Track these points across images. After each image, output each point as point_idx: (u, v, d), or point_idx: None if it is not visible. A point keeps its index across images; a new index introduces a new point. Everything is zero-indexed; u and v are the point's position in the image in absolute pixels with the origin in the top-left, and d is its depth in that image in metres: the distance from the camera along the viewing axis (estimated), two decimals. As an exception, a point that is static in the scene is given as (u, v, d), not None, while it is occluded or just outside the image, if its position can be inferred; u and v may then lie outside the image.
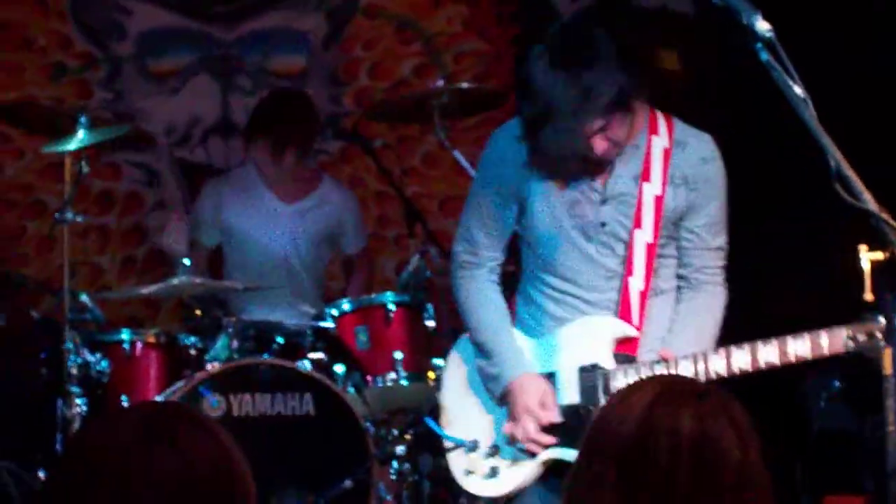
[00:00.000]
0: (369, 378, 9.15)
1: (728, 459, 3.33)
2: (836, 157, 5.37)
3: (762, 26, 5.40)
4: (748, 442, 3.37)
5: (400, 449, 9.06)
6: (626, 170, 6.41)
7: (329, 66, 11.42)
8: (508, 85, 10.82)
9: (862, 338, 5.93)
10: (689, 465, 3.30)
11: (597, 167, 6.40)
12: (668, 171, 6.43)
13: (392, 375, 9.19)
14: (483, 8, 11.34)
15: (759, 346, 6.10)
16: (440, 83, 9.83)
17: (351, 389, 8.90)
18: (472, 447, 6.61)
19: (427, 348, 9.31)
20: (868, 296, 5.64)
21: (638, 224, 6.39)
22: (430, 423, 7.66)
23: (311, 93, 11.04)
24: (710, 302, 6.57)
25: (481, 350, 6.60)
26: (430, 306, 9.40)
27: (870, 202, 5.30)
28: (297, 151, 10.09)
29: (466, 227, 6.70)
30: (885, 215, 5.28)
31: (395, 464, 9.07)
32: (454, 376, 6.90)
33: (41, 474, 9.22)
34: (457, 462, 6.73)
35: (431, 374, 9.21)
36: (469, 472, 6.63)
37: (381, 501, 8.94)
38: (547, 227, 6.49)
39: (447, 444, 6.84)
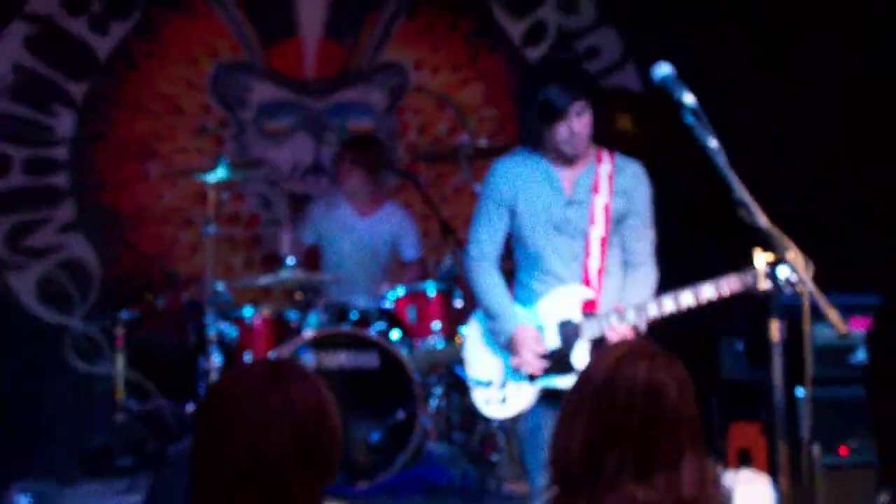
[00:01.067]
0: (416, 342, 9.41)
1: (670, 403, 3.51)
2: (740, 190, 5.40)
3: (688, 99, 5.51)
4: (685, 390, 3.57)
5: (437, 391, 9.42)
6: (583, 185, 6.67)
7: (389, 127, 11.41)
8: (512, 140, 10.89)
9: (747, 280, 6.13)
10: (642, 406, 3.48)
11: (566, 165, 6.68)
12: (612, 186, 6.71)
13: (432, 340, 9.45)
14: (495, 87, 11.45)
15: (680, 293, 6.36)
16: (465, 139, 9.95)
17: (404, 350, 9.12)
18: (488, 384, 6.80)
19: (456, 321, 9.39)
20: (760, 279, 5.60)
21: (592, 222, 6.64)
22: (459, 371, 8.44)
23: (381, 143, 10.95)
24: (646, 275, 6.78)
25: (489, 314, 6.79)
26: (458, 292, 9.57)
27: (762, 221, 5.33)
28: (371, 176, 10.17)
29: (475, 231, 6.87)
30: (773, 230, 5.31)
31: (433, 402, 9.35)
32: (473, 337, 6.99)
33: (189, 408, 9.68)
34: (478, 396, 6.90)
35: (458, 339, 9.19)
36: (487, 402, 6.82)
37: (424, 428, 9.05)
38: (530, 224, 6.71)
39: (471, 384, 6.99)
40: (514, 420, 7.31)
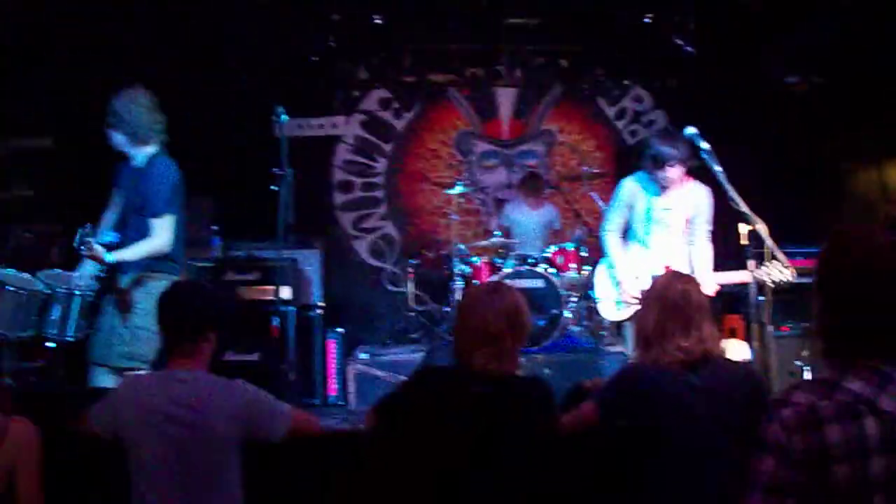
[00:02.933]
0: (562, 274, 9.22)
1: (695, 297, 3.94)
2: (734, 193, 5.63)
3: (704, 144, 5.77)
4: (701, 292, 3.99)
5: (573, 300, 9.13)
6: (672, 199, 6.50)
7: (546, 164, 11.38)
8: (609, 169, 11.15)
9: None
10: (682, 300, 3.88)
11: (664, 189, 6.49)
12: (690, 199, 6.51)
13: (570, 273, 9.31)
14: (601, 141, 11.41)
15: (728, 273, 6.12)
16: (585, 169, 10.06)
17: (556, 278, 8.98)
18: (606, 300, 6.88)
19: (583, 263, 9.37)
20: (744, 241, 5.64)
21: (675, 221, 6.53)
22: (591, 293, 8.32)
23: (542, 172, 10.95)
24: (703, 250, 6.54)
25: (612, 263, 6.73)
26: (584, 247, 9.44)
27: (743, 207, 5.56)
28: (536, 191, 10.25)
29: (609, 215, 6.75)
30: (749, 212, 5.51)
31: (571, 305, 9.09)
32: (601, 274, 6.97)
33: (445, 309, 9.87)
34: (602, 307, 6.95)
35: (584, 273, 9.20)
36: (605, 310, 6.88)
37: (566, 318, 8.91)
38: (640, 219, 6.62)
39: (597, 299, 7.02)
40: (619, 324, 7.28)
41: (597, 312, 8.81)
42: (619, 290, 6.68)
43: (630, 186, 6.66)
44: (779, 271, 5.79)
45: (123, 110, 5.72)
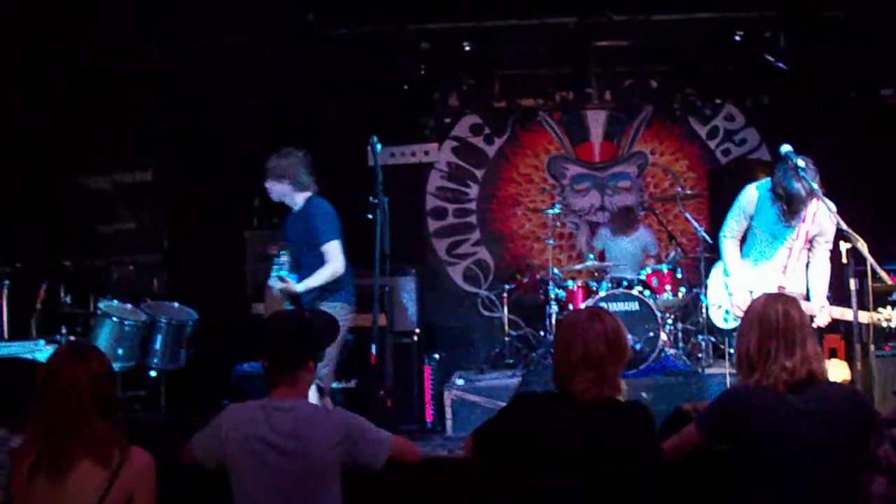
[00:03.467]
0: (657, 296, 9.17)
1: (796, 317, 3.85)
2: (831, 207, 5.78)
3: (800, 162, 5.80)
4: (802, 312, 3.91)
5: (669, 322, 9.16)
6: (798, 217, 6.19)
7: (639, 185, 11.36)
8: (702, 189, 10.93)
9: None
10: (783, 320, 3.80)
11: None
12: (815, 218, 6.23)
13: (665, 295, 9.27)
14: (693, 161, 11.32)
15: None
16: (679, 190, 9.88)
17: (651, 300, 8.94)
18: (718, 307, 6.78)
19: (679, 285, 9.37)
20: (844, 260, 5.60)
21: (796, 237, 6.27)
22: (702, 297, 8.11)
23: (633, 198, 11.18)
24: (822, 268, 6.32)
25: (727, 270, 6.56)
26: (679, 269, 9.41)
27: (843, 224, 5.54)
28: (630, 222, 10.47)
29: (728, 220, 6.51)
30: (849, 230, 5.49)
31: (667, 327, 9.10)
32: (716, 279, 6.86)
33: (541, 333, 9.85)
34: (712, 313, 6.88)
35: (680, 295, 9.31)
36: (715, 317, 6.80)
37: (662, 341, 8.85)
38: (760, 230, 6.40)
39: (709, 305, 6.99)
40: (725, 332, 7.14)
41: (693, 334, 8.79)
42: (731, 299, 6.55)
43: (752, 195, 6.45)
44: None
45: (285, 165, 6.61)
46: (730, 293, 6.60)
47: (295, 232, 6.67)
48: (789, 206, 6.12)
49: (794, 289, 6.30)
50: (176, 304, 8.09)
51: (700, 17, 8.93)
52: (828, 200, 5.89)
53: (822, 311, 6.18)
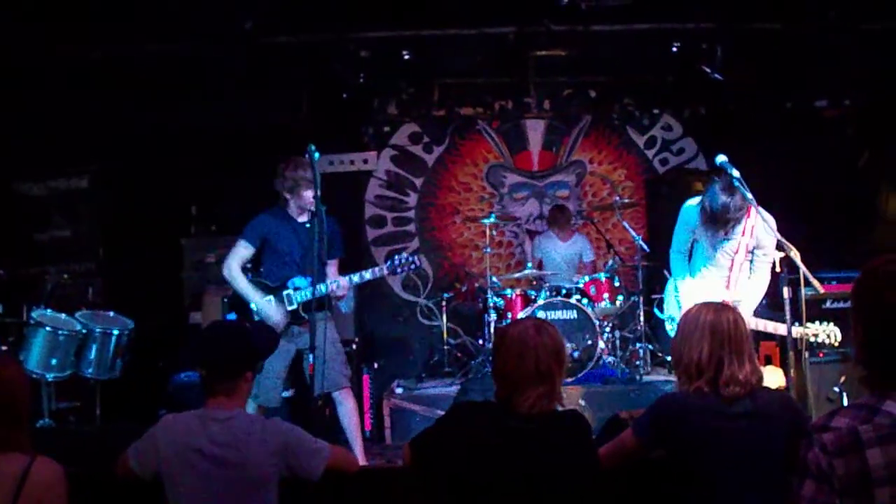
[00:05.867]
0: (595, 304, 9.16)
1: (742, 328, 3.84)
2: (765, 217, 5.86)
3: (735, 172, 5.78)
4: (744, 323, 3.90)
5: (607, 330, 9.12)
6: (736, 230, 6.26)
7: (577, 194, 11.42)
8: (640, 199, 11.06)
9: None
10: (733, 330, 3.80)
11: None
12: (753, 231, 6.28)
13: (603, 303, 9.26)
14: (631, 170, 11.42)
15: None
16: (616, 199, 9.94)
17: (589, 308, 8.89)
18: (672, 319, 6.70)
19: (617, 293, 9.35)
20: (778, 269, 5.87)
21: (736, 251, 6.37)
22: (657, 311, 8.13)
23: (571, 206, 11.07)
24: (762, 280, 6.37)
25: (677, 285, 6.59)
26: (617, 277, 9.37)
27: (777, 234, 5.70)
28: (564, 225, 10.29)
29: (675, 236, 6.61)
30: (782, 239, 5.60)
31: (605, 335, 9.04)
32: (670, 291, 6.85)
33: (479, 342, 9.64)
34: (669, 327, 6.75)
35: (618, 303, 9.31)
36: (671, 330, 6.57)
37: (600, 348, 8.85)
38: (703, 244, 6.50)
39: (665, 317, 6.92)
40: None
41: (631, 342, 8.83)
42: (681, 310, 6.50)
43: (691, 211, 6.53)
44: (826, 334, 5.97)
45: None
46: (681, 307, 6.65)
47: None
48: (715, 223, 6.19)
49: (737, 301, 6.35)
50: (112, 314, 7.98)
51: (638, 28, 8.93)
52: (765, 213, 5.96)
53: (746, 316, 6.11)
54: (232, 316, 6.61)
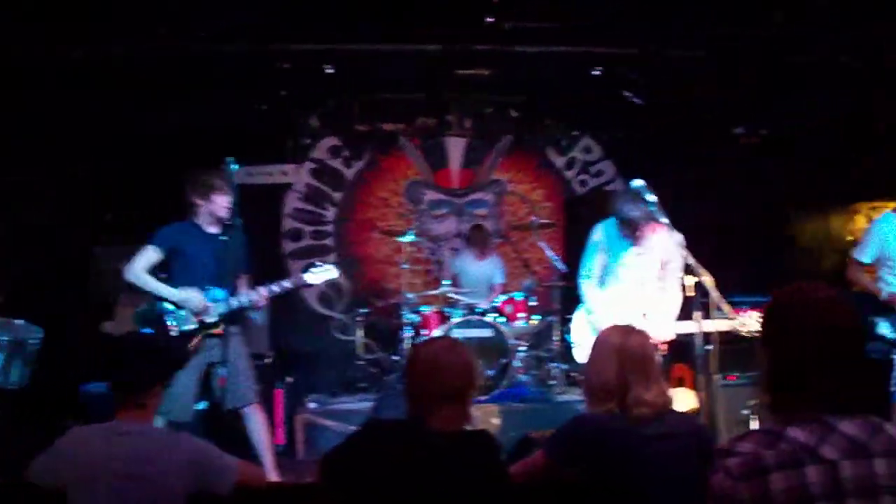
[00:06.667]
0: (511, 323, 9.29)
1: (650, 350, 3.94)
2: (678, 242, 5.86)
3: (651, 197, 5.89)
4: (653, 345, 4.02)
5: (523, 349, 9.21)
6: (647, 245, 6.49)
7: (496, 213, 11.51)
8: (558, 219, 11.25)
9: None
10: (640, 352, 3.90)
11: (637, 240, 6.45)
12: (663, 246, 6.42)
13: (519, 322, 9.39)
14: (550, 190, 11.54)
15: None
16: (535, 219, 10.01)
17: (505, 327, 9.01)
18: (581, 346, 6.74)
19: (532, 312, 9.48)
20: (690, 293, 5.73)
21: (648, 267, 6.54)
22: (567, 336, 7.98)
23: (490, 225, 11.20)
24: (674, 296, 6.43)
25: (589, 309, 6.62)
26: (533, 297, 9.49)
27: (689, 259, 5.68)
28: (484, 240, 10.35)
29: (585, 262, 6.71)
30: (695, 264, 5.65)
31: (520, 354, 9.14)
32: (579, 317, 6.88)
33: (394, 357, 9.60)
34: (577, 352, 6.86)
35: (533, 322, 9.45)
36: (581, 356, 6.67)
37: (515, 368, 8.99)
38: (615, 263, 6.60)
39: (574, 344, 6.96)
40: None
41: (546, 361, 8.88)
42: (594, 336, 6.61)
43: (601, 232, 6.67)
44: (755, 321, 5.91)
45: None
46: (595, 330, 6.48)
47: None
48: (632, 231, 6.39)
49: (653, 316, 6.48)
50: (21, 322, 7.80)
51: (561, 50, 9.00)
52: (676, 232, 6.01)
53: (663, 328, 6.37)
54: (147, 330, 6.43)
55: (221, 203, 6.42)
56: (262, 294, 6.45)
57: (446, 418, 3.49)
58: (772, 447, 2.50)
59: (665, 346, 6.47)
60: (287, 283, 6.57)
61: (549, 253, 9.49)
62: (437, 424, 3.47)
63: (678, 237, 6.09)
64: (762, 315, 2.77)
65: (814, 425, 2.51)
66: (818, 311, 2.59)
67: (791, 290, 2.69)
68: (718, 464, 2.53)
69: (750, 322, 5.96)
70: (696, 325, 5.97)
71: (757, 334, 5.51)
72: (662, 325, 6.42)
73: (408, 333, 9.30)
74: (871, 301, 7.20)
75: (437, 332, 8.98)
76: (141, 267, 6.41)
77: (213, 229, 6.54)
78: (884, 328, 7.05)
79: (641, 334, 4.01)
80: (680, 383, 8.63)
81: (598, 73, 9.39)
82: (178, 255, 6.50)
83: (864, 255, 7.19)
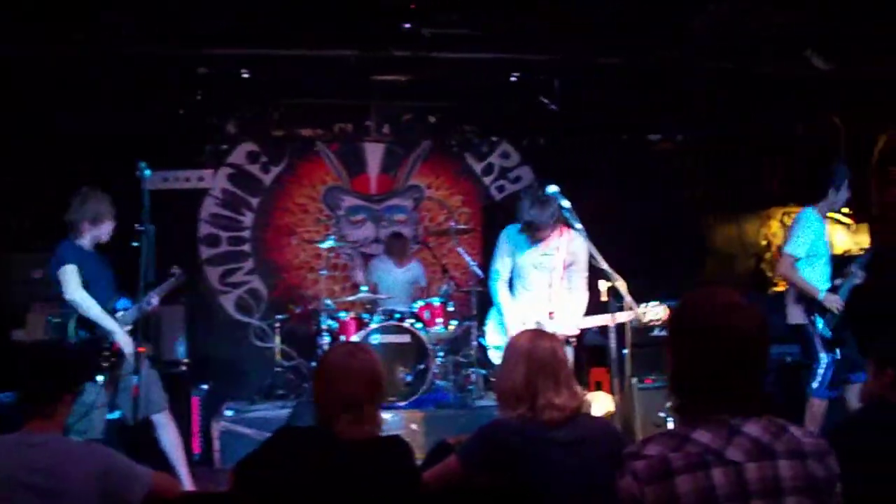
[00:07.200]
0: (429, 328, 9.29)
1: (560, 354, 3.97)
2: (592, 247, 6.01)
3: (565, 203, 6.16)
4: (563, 349, 4.02)
5: (440, 354, 9.31)
6: (551, 246, 6.68)
7: (414, 219, 11.50)
8: (477, 224, 11.27)
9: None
10: (550, 356, 3.91)
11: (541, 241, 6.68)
12: (568, 247, 6.65)
13: (437, 328, 9.40)
14: (469, 196, 11.59)
15: (598, 316, 6.31)
16: (453, 224, 10.09)
17: (423, 333, 9.03)
18: (498, 348, 6.80)
19: (450, 318, 9.54)
20: (604, 298, 6.06)
21: (553, 267, 6.69)
22: (482, 339, 7.93)
23: (408, 231, 11.26)
24: (580, 298, 6.72)
25: (501, 311, 6.84)
26: (451, 302, 9.55)
27: (603, 264, 5.89)
28: (403, 249, 10.48)
29: (493, 266, 6.92)
30: (609, 269, 5.87)
31: (439, 360, 9.24)
32: (493, 322, 7.05)
33: (313, 364, 9.38)
34: (491, 354, 7.07)
35: (451, 327, 9.48)
36: (496, 357, 6.82)
37: (434, 373, 9.02)
38: (522, 264, 6.81)
39: (489, 347, 7.16)
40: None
41: (464, 366, 8.91)
42: (506, 337, 6.67)
43: (511, 236, 6.84)
44: (654, 312, 6.10)
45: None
46: (505, 331, 6.81)
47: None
48: (534, 233, 6.58)
49: (560, 315, 6.64)
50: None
51: (480, 57, 9.06)
52: (582, 234, 6.15)
53: (569, 324, 6.56)
54: (83, 333, 6.47)
55: (107, 231, 6.61)
56: (154, 301, 6.58)
57: (352, 425, 3.48)
58: (678, 450, 2.54)
59: (574, 339, 6.74)
60: (166, 286, 6.80)
61: (467, 258, 9.47)
62: (343, 431, 3.47)
63: (582, 239, 6.29)
64: (669, 319, 2.82)
65: (719, 428, 2.55)
66: (722, 315, 2.61)
67: (696, 295, 2.73)
68: (626, 467, 2.56)
69: (651, 311, 6.12)
70: (602, 319, 6.21)
71: (658, 321, 5.98)
72: (569, 322, 6.59)
73: (326, 340, 9.25)
74: (778, 306, 7.38)
75: (355, 338, 8.93)
76: (80, 288, 6.47)
77: (91, 249, 6.73)
78: (821, 325, 7.21)
79: (551, 338, 4.04)
80: (598, 387, 8.94)
81: (515, 79, 9.43)
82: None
83: (797, 249, 7.31)
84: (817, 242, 7.28)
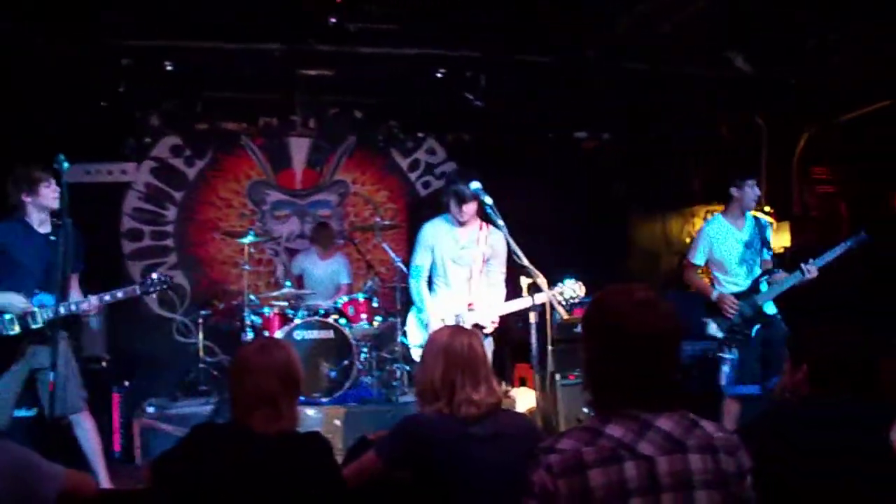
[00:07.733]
0: (353, 324, 9.29)
1: (479, 350, 3.98)
2: (513, 244, 5.89)
3: (488, 200, 6.07)
4: (482, 345, 4.04)
5: (365, 350, 9.30)
6: (470, 239, 6.82)
7: (339, 214, 11.50)
8: (402, 220, 11.34)
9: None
10: (467, 353, 3.93)
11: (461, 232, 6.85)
12: (487, 241, 6.81)
13: (361, 323, 9.38)
14: (394, 192, 11.63)
15: (516, 301, 6.37)
16: (378, 220, 10.09)
17: (347, 328, 8.98)
18: (419, 346, 6.74)
19: (375, 314, 9.54)
20: (525, 294, 5.96)
21: (474, 259, 6.84)
22: (404, 339, 8.25)
23: (333, 224, 11.17)
24: (499, 291, 6.87)
25: (420, 308, 6.94)
26: (376, 299, 9.60)
27: (525, 261, 5.83)
28: (327, 243, 10.43)
29: (413, 263, 7.02)
30: (530, 266, 5.81)
31: (363, 355, 9.23)
32: (412, 320, 7.09)
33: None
34: (413, 351, 7.03)
35: (375, 323, 9.46)
36: (418, 355, 6.55)
37: (358, 369, 8.97)
38: (441, 258, 6.91)
39: (410, 345, 7.18)
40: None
41: (389, 362, 8.92)
42: (426, 333, 6.71)
43: (430, 230, 6.99)
44: (571, 290, 6.25)
45: None
46: (425, 327, 6.88)
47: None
48: (458, 200, 6.69)
49: (479, 305, 6.80)
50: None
51: (405, 52, 9.04)
52: (504, 230, 6.10)
53: (488, 313, 6.68)
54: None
55: (50, 195, 6.25)
56: (92, 303, 6.25)
57: (268, 420, 3.45)
58: (591, 444, 2.57)
59: (494, 332, 6.78)
60: (119, 293, 6.37)
61: (392, 254, 9.46)
62: (258, 426, 3.44)
63: (500, 234, 6.32)
64: (583, 315, 2.84)
65: (632, 422, 2.60)
66: (634, 312, 2.65)
67: (609, 291, 2.77)
68: (539, 461, 2.59)
69: (568, 288, 6.29)
70: (521, 303, 6.23)
71: (576, 298, 6.16)
72: (488, 312, 6.72)
73: (249, 335, 9.18)
74: (701, 302, 7.50)
75: (278, 334, 8.89)
76: None
77: (44, 228, 6.34)
78: (712, 328, 7.33)
79: (469, 335, 4.06)
80: (522, 383, 9.11)
81: (441, 75, 9.45)
82: (4, 256, 6.24)
83: (696, 258, 7.54)
84: (719, 248, 7.46)
